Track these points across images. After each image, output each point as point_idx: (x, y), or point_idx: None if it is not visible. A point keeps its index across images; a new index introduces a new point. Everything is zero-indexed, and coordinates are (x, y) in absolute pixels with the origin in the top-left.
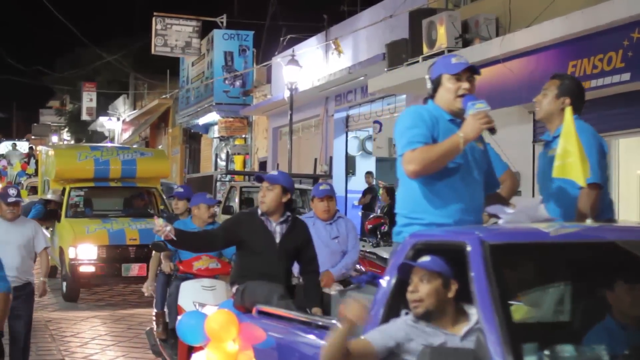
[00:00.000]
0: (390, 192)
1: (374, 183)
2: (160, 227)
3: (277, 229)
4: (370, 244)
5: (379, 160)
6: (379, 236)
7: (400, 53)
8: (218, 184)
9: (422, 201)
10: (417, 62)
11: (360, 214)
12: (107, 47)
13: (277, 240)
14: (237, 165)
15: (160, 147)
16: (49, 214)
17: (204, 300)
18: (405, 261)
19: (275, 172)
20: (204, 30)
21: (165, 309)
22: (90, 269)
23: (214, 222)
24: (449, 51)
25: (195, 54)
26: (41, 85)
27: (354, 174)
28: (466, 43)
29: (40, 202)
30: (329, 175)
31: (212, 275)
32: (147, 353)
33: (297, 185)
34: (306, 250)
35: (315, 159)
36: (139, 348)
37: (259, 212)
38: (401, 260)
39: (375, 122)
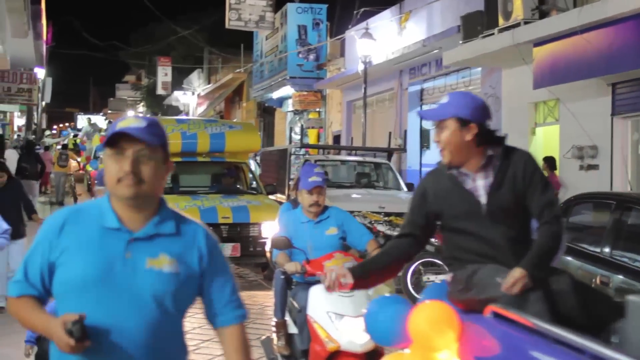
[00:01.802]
0: None
1: None
2: (335, 272)
3: (478, 183)
4: None
5: None
6: None
7: (475, 25)
8: (292, 157)
9: None
10: (493, 34)
11: None
12: (181, 21)
13: (483, 200)
14: (311, 139)
15: (234, 120)
16: None
17: (340, 311)
18: None
19: (444, 99)
20: (278, 4)
21: (287, 317)
22: None
23: (326, 208)
24: (525, 23)
25: (269, 28)
26: (117, 60)
27: (428, 147)
28: (543, 14)
29: None
30: (403, 149)
31: None
32: None
33: (370, 159)
34: (532, 194)
35: (390, 133)
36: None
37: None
38: None
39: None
